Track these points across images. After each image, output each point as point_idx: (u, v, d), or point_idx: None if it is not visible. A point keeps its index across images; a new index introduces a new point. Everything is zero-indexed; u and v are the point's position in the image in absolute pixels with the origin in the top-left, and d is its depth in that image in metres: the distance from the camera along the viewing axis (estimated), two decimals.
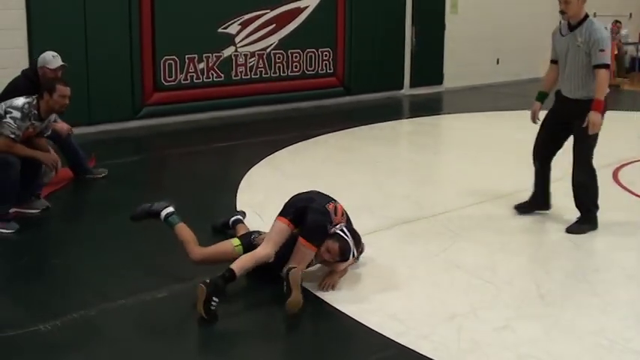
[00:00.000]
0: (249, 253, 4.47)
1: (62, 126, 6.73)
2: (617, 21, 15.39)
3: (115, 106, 9.39)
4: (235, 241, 4.66)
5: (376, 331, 3.98)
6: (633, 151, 8.21)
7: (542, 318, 4.17)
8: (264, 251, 4.44)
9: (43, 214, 5.98)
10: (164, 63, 9.80)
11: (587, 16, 5.53)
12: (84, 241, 5.55)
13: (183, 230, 4.76)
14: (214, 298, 4.07)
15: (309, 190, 4.80)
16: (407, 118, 11.63)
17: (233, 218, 5.41)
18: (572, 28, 5.55)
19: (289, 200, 4.68)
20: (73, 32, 8.87)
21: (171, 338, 3.96)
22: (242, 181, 7.00)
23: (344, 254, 4.48)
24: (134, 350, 3.84)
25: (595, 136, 5.51)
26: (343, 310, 4.23)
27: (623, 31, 15.81)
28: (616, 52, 15.02)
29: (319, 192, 4.76)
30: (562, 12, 5.56)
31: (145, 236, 5.61)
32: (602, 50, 5.40)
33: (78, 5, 8.91)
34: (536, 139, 5.88)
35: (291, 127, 9.94)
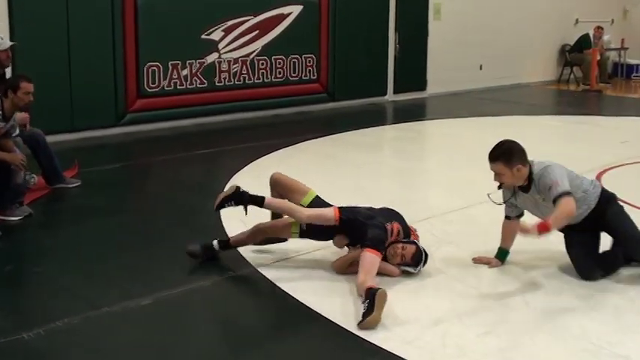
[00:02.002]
0: (293, 204, 4.90)
1: (22, 116, 6.46)
2: (599, 27, 15.51)
3: (97, 113, 9.34)
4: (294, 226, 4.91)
5: (361, 337, 3.98)
6: (615, 156, 8.25)
7: (527, 323, 4.18)
8: (303, 213, 4.82)
9: (25, 221, 5.93)
10: (147, 69, 9.76)
11: (530, 171, 4.72)
12: (67, 248, 5.50)
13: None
14: (231, 202, 4.81)
15: (371, 207, 5.01)
16: (390, 124, 11.64)
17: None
18: (524, 188, 4.81)
19: (357, 207, 4.97)
20: (55, 38, 8.82)
21: (156, 346, 3.94)
22: (225, 188, 6.97)
23: (414, 258, 4.80)
24: (119, 358, 3.82)
25: (626, 217, 4.98)
26: (327, 317, 4.22)
27: (605, 37, 15.93)
28: (598, 58, 15.16)
29: (382, 211, 5.00)
30: (499, 186, 4.89)
31: (128, 243, 5.59)
32: (553, 185, 4.58)
33: (60, 11, 8.86)
34: (576, 258, 4.95)
35: (275, 133, 9.93)
